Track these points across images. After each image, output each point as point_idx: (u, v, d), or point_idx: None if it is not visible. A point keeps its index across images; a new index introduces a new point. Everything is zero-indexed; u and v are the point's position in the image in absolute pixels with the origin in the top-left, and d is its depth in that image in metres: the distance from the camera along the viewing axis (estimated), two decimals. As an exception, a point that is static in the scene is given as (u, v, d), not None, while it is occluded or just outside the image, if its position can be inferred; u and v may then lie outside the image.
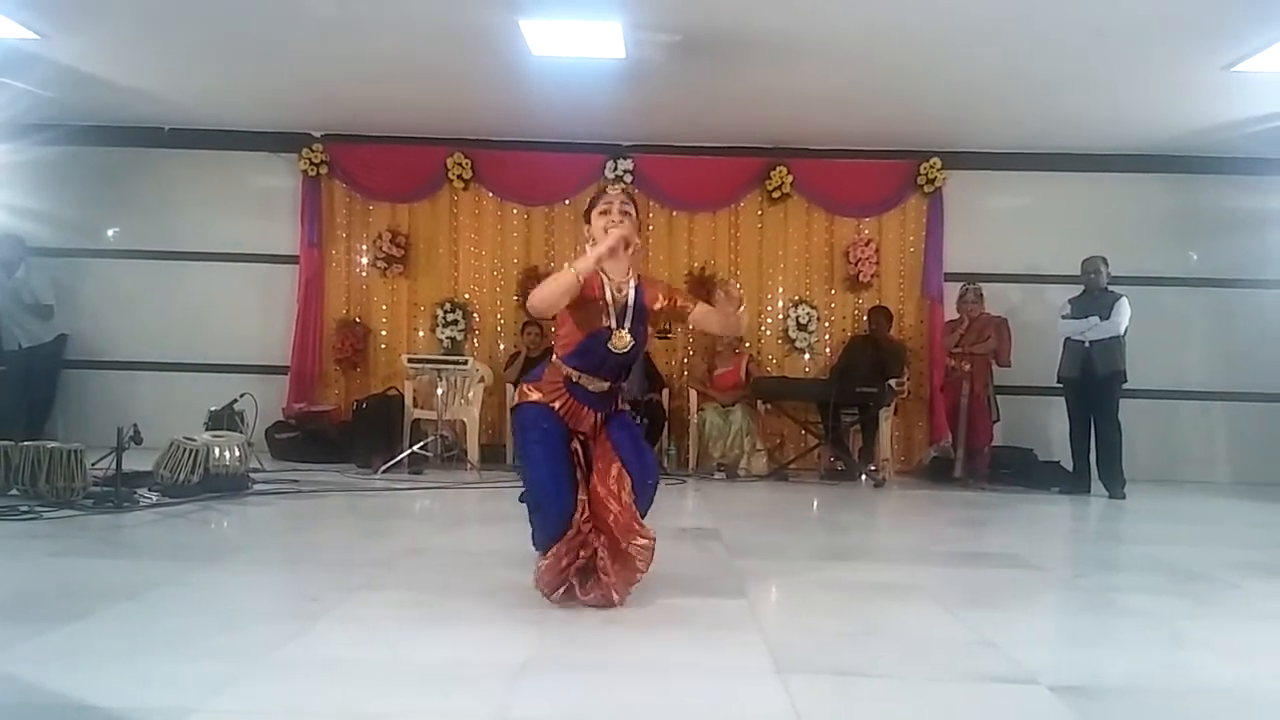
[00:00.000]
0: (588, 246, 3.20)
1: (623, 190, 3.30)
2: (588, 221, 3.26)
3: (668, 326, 7.94)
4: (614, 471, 3.15)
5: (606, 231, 3.14)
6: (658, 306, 3.26)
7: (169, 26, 5.91)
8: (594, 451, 3.21)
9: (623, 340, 3.15)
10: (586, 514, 3.10)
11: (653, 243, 8.13)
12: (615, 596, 3.05)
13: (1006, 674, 2.55)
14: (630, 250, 3.19)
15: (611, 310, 3.15)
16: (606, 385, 3.21)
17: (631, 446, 3.22)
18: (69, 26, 5.87)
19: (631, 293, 3.19)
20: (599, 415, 3.23)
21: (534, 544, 3.20)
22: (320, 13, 5.52)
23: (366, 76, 6.73)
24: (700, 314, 3.32)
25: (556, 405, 3.18)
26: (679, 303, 3.31)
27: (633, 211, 3.22)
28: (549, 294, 3.06)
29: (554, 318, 3.23)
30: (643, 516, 3.21)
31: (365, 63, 6.41)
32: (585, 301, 3.13)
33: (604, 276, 3.17)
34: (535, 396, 3.22)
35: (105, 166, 8.08)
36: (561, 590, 3.08)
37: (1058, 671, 2.58)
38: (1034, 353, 7.51)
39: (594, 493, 3.13)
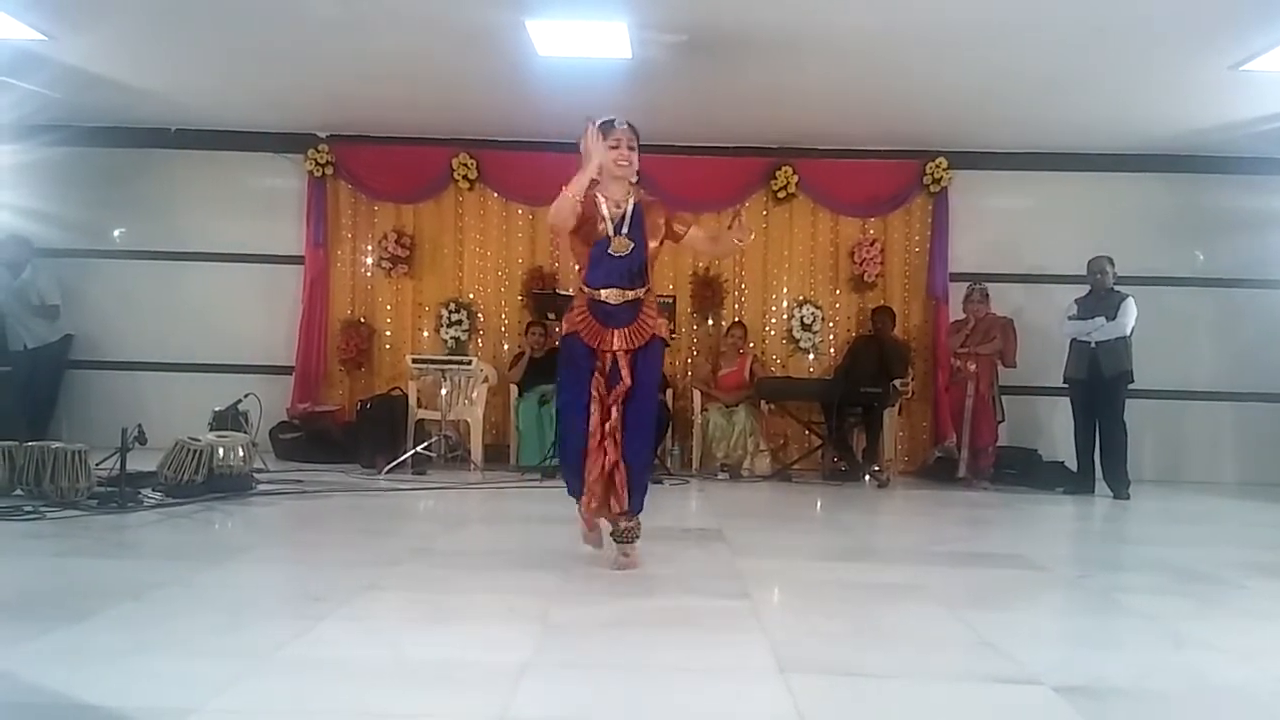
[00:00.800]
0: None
1: (629, 126, 3.64)
2: (598, 149, 3.56)
3: (671, 328, 7.97)
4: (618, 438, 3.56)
5: (616, 163, 3.57)
6: (654, 244, 3.65)
7: (175, 28, 5.92)
8: (626, 387, 3.56)
9: (622, 244, 3.56)
10: (604, 434, 3.53)
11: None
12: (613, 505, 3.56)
13: (1010, 674, 2.54)
14: (634, 177, 3.64)
15: (610, 223, 3.57)
16: (626, 296, 3.56)
17: (636, 426, 3.59)
18: (76, 27, 5.88)
19: (630, 208, 3.61)
20: (625, 331, 3.57)
21: (569, 490, 3.66)
22: (326, 13, 5.53)
23: (372, 77, 6.74)
24: (691, 236, 3.80)
25: (580, 329, 3.59)
26: (674, 228, 3.73)
27: (635, 144, 3.63)
28: (555, 212, 3.53)
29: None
30: (638, 505, 3.63)
31: (371, 63, 6.42)
32: (585, 220, 3.56)
33: (601, 197, 3.59)
34: (567, 324, 3.66)
35: (111, 167, 8.10)
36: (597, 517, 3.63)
37: (1061, 672, 2.57)
38: (1039, 353, 7.49)
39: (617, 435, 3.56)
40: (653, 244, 3.64)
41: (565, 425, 3.66)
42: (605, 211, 3.57)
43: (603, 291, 3.56)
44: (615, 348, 3.56)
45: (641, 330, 3.59)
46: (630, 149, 3.59)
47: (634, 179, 3.66)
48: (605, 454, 3.54)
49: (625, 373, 3.56)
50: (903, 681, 2.48)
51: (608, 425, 3.55)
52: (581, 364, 3.58)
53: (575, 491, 3.63)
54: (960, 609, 3.22)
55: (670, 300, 8.01)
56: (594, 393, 3.56)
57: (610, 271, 3.56)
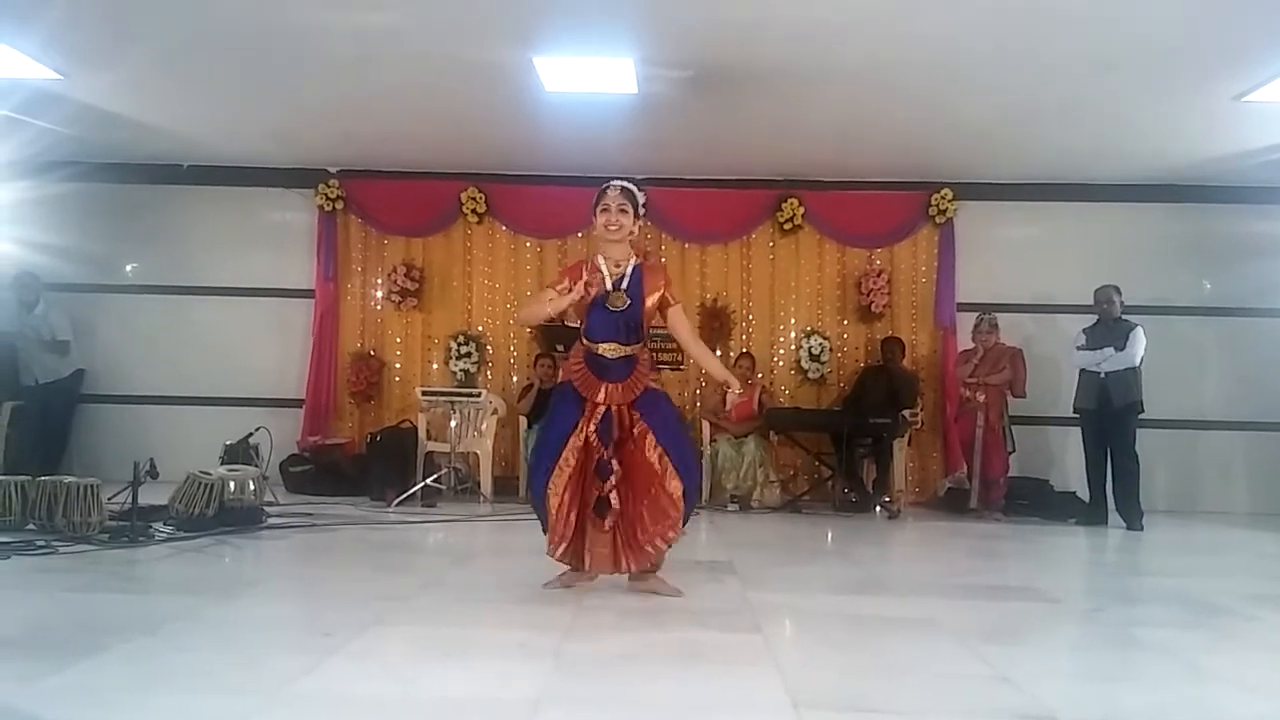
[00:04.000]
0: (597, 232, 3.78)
1: (621, 189, 3.72)
2: (594, 215, 3.74)
3: (679, 359, 8.00)
4: (657, 459, 3.63)
5: (606, 228, 3.69)
6: (650, 304, 3.72)
7: (188, 66, 6.02)
8: (631, 435, 3.66)
9: (620, 299, 3.66)
10: (575, 485, 3.64)
11: (665, 275, 8.16)
12: (624, 564, 3.66)
13: (1026, 710, 2.52)
14: (626, 236, 3.72)
15: (608, 280, 3.68)
16: (622, 351, 3.66)
17: (674, 444, 3.68)
18: (91, 66, 5.98)
19: (630, 269, 3.71)
20: (620, 386, 3.66)
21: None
22: (337, 51, 5.61)
23: (382, 113, 6.82)
24: (673, 317, 3.84)
25: (575, 379, 3.71)
26: (666, 297, 3.77)
27: (630, 207, 3.71)
28: (528, 316, 4.11)
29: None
30: (685, 520, 3.69)
31: (381, 100, 6.50)
32: (584, 297, 3.65)
33: (602, 258, 3.72)
34: (564, 372, 3.89)
35: (124, 203, 8.19)
36: (564, 545, 3.64)
37: (1077, 707, 2.55)
38: (1048, 383, 7.48)
39: (634, 471, 3.64)
40: (649, 302, 3.71)
41: (535, 467, 3.75)
42: (605, 270, 3.70)
43: (601, 346, 3.67)
44: (607, 401, 3.65)
45: (635, 385, 3.68)
46: (622, 212, 3.68)
47: (630, 237, 3.74)
48: (584, 503, 3.65)
49: (616, 426, 3.64)
50: (918, 717, 2.46)
51: (611, 478, 3.64)
52: (568, 413, 3.70)
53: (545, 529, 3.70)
54: (974, 643, 3.20)
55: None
56: (571, 456, 3.64)
57: (607, 325, 3.67)
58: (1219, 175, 7.62)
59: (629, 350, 3.69)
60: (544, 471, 3.65)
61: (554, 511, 3.63)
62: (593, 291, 3.63)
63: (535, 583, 3.75)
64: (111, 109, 6.75)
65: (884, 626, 3.48)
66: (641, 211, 3.80)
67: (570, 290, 3.58)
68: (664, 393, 3.88)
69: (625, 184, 3.75)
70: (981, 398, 7.20)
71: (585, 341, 3.72)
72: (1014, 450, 7.31)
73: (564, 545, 3.65)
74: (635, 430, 3.65)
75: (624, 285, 3.67)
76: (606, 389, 3.65)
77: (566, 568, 3.74)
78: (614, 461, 3.63)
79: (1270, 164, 7.23)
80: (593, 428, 3.64)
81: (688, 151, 7.52)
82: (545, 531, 3.69)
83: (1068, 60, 5.54)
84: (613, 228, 3.68)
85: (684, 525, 3.70)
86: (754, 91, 6.13)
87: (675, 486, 3.61)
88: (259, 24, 5.32)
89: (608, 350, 3.67)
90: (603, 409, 3.65)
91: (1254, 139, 6.82)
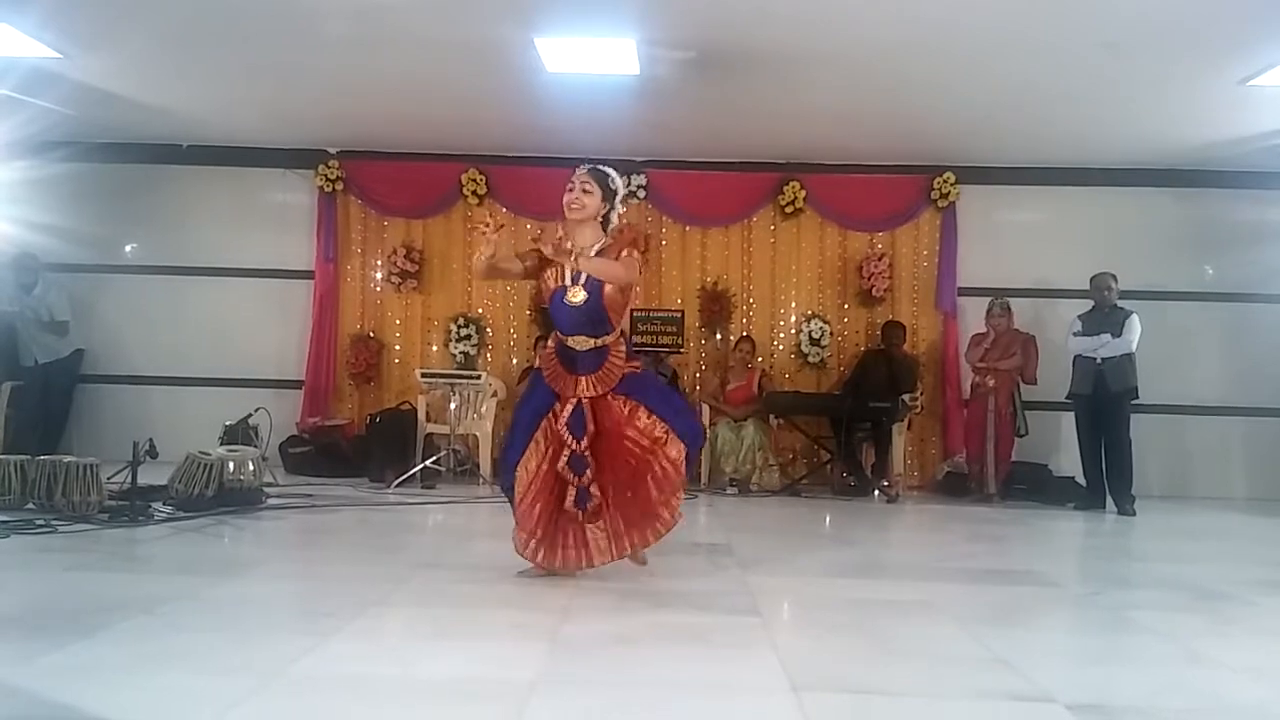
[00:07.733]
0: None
1: (590, 169, 3.65)
2: None
3: (680, 342, 7.97)
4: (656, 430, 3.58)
5: (568, 207, 3.60)
6: (609, 290, 3.55)
7: (188, 45, 5.97)
8: (605, 427, 3.59)
9: (576, 295, 3.55)
10: (545, 471, 3.58)
11: (665, 258, 8.17)
12: (627, 545, 3.63)
13: (1023, 692, 2.53)
14: (589, 217, 3.59)
15: (567, 272, 3.57)
16: (592, 343, 3.57)
17: (667, 407, 3.65)
18: (90, 46, 5.94)
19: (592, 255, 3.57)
20: (591, 379, 3.57)
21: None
22: (337, 31, 5.57)
23: (382, 94, 6.78)
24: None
25: (546, 369, 3.66)
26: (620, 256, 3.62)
27: (595, 188, 3.60)
28: (476, 268, 3.72)
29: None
30: (690, 461, 3.72)
31: (381, 80, 6.46)
32: (545, 270, 3.62)
33: (567, 244, 3.57)
34: (538, 358, 3.81)
35: (123, 183, 8.14)
36: (534, 542, 3.58)
37: (1075, 690, 2.56)
38: (1048, 368, 7.45)
39: (617, 458, 3.59)
40: (608, 289, 3.54)
41: (507, 449, 3.72)
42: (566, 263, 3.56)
43: (569, 339, 3.60)
44: (579, 394, 3.57)
45: (608, 377, 3.58)
46: (585, 191, 3.57)
47: (595, 219, 3.62)
48: (557, 500, 3.58)
49: (589, 419, 3.55)
50: (916, 699, 2.47)
51: (586, 471, 3.56)
52: (540, 396, 3.65)
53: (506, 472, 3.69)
54: (972, 626, 3.21)
55: (679, 315, 8.03)
56: (542, 439, 3.59)
57: (568, 318, 3.58)
58: (1223, 160, 7.58)
59: (598, 342, 3.58)
60: (516, 452, 3.63)
61: (521, 496, 3.58)
62: (547, 251, 3.52)
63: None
64: (110, 88, 6.71)
65: (882, 609, 3.48)
66: (620, 194, 3.69)
67: (490, 238, 3.48)
68: (643, 372, 3.76)
69: (600, 167, 3.65)
70: (991, 382, 7.17)
71: (557, 333, 3.65)
72: (1026, 434, 7.25)
73: (534, 541, 3.60)
74: (626, 409, 3.58)
75: (582, 279, 3.54)
76: (576, 382, 3.58)
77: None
78: (587, 454, 3.55)
79: (1274, 149, 7.17)
80: (563, 422, 3.56)
81: (689, 134, 7.48)
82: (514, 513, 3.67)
83: (1072, 44, 5.50)
84: (575, 206, 3.56)
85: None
86: (756, 73, 6.09)
87: (677, 451, 3.58)
88: (260, 3, 5.28)
89: (576, 343, 3.58)
90: (573, 402, 3.57)
91: (1259, 124, 6.77)
